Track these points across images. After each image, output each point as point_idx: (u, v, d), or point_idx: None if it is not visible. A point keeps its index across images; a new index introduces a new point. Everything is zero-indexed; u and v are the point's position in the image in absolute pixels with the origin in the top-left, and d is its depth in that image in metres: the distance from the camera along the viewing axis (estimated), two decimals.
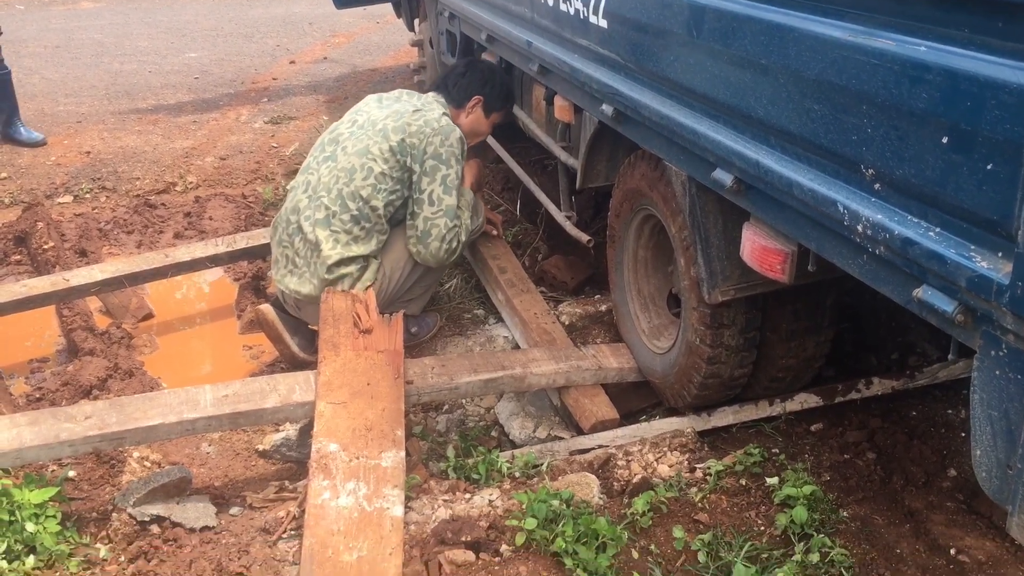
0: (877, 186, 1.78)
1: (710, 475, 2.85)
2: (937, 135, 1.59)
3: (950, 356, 1.82)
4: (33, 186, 5.56)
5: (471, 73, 3.94)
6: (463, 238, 3.67)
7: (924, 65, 1.60)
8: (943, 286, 1.63)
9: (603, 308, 3.88)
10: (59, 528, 2.63)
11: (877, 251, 1.77)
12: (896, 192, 1.74)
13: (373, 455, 2.74)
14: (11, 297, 3.79)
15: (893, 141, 1.70)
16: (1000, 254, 1.52)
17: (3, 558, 2.48)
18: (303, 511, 2.61)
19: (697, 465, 2.93)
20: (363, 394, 2.96)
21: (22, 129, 6.29)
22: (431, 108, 3.65)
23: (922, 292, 1.68)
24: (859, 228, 1.78)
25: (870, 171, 1.78)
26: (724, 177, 2.29)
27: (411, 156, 3.51)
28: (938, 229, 1.64)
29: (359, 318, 3.23)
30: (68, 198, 5.43)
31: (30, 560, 2.51)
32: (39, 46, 9.59)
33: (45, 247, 4.53)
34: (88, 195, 5.47)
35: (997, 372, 1.58)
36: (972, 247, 1.57)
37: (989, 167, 1.50)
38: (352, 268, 3.52)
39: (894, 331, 3.60)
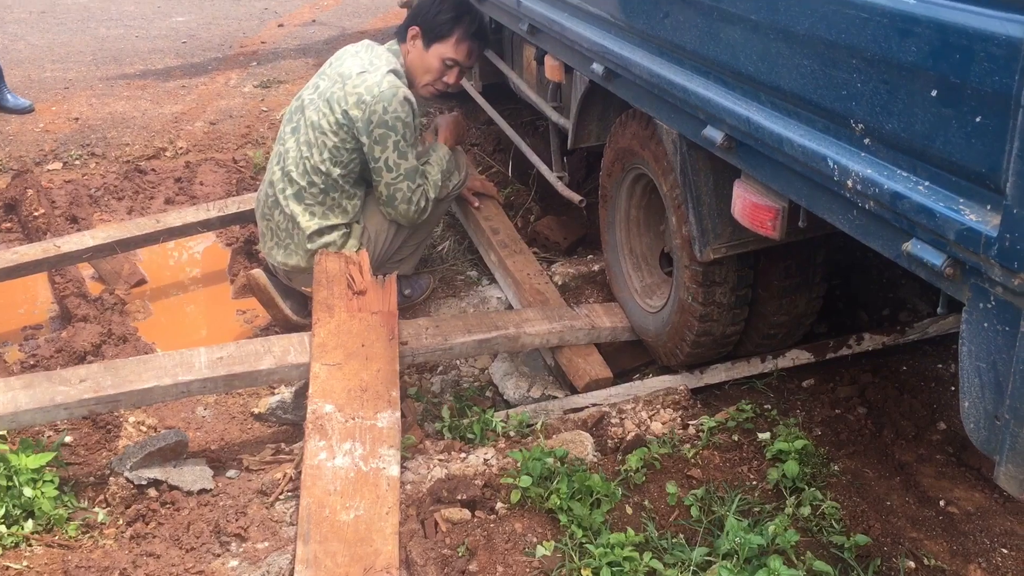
0: (867, 141, 1.78)
1: (703, 431, 2.87)
2: (926, 88, 1.59)
3: (939, 310, 1.83)
4: (22, 153, 5.52)
5: (416, 5, 3.74)
6: (431, 195, 3.61)
7: (913, 18, 1.60)
8: (932, 240, 1.64)
9: (596, 268, 3.88)
10: (57, 492, 2.65)
11: (867, 206, 1.77)
12: (885, 146, 1.73)
13: (369, 416, 2.76)
14: (3, 264, 3.77)
15: (883, 95, 1.70)
16: (988, 207, 1.52)
17: (2, 522, 2.50)
18: (300, 472, 2.63)
19: (690, 422, 2.96)
20: (358, 355, 2.97)
21: (9, 96, 6.22)
22: (376, 68, 3.43)
23: (911, 246, 1.69)
24: (849, 183, 1.78)
25: (860, 126, 1.78)
26: (714, 134, 2.28)
27: (356, 128, 3.39)
28: (927, 183, 1.64)
29: (353, 280, 3.23)
30: (58, 165, 5.39)
31: (28, 524, 2.53)
32: (24, 12, 9.45)
33: (35, 214, 4.51)
34: (78, 162, 5.43)
35: (985, 324, 1.59)
36: (961, 200, 1.58)
37: (978, 120, 1.50)
38: (334, 235, 3.52)
39: (885, 287, 3.61)
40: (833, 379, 3.20)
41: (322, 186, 3.48)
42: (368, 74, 3.40)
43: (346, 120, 3.39)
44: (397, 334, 3.08)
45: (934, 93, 1.58)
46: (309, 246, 3.50)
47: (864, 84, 1.74)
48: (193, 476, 2.78)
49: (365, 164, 3.50)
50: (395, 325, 3.11)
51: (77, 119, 6.10)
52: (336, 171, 3.45)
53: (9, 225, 4.65)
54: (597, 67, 2.92)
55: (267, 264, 3.81)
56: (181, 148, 5.60)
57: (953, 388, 3.13)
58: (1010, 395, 1.54)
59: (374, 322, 3.10)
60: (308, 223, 3.50)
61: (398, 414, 2.79)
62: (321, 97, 3.48)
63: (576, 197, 3.77)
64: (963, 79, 1.51)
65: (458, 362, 3.63)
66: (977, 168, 1.53)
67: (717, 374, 3.20)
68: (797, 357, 3.22)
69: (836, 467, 2.74)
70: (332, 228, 3.52)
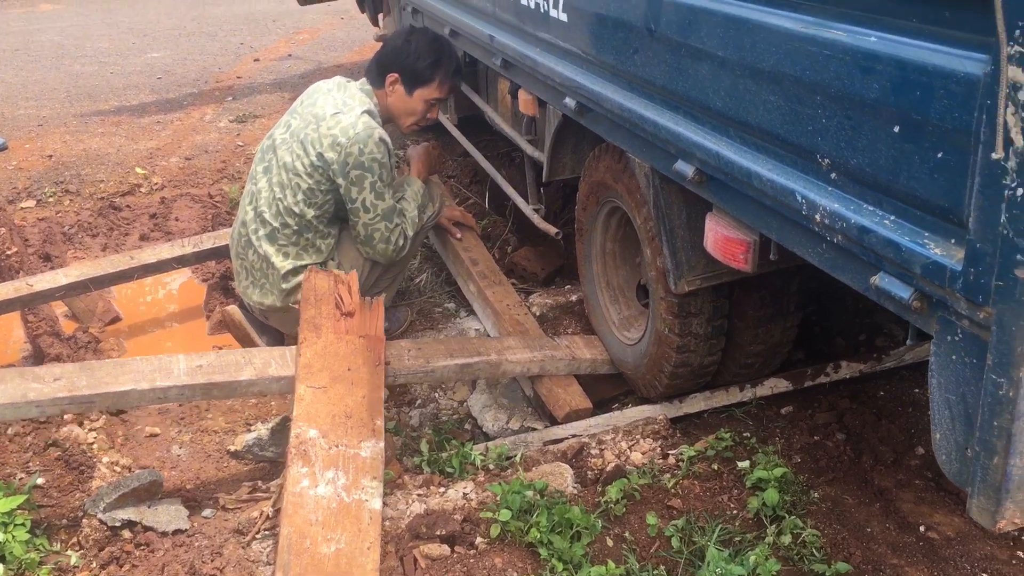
0: (833, 176, 1.80)
1: (682, 461, 2.87)
2: (889, 125, 1.62)
3: (908, 341, 1.85)
4: None
5: (387, 47, 3.65)
6: (409, 233, 3.60)
7: (875, 55, 1.63)
8: (899, 273, 1.66)
9: (574, 298, 3.90)
10: (28, 536, 2.60)
11: (835, 239, 1.80)
12: (851, 181, 1.76)
13: (352, 444, 2.72)
14: None
15: (847, 131, 1.72)
16: (953, 241, 1.55)
17: None
18: (277, 511, 2.61)
19: (669, 452, 2.96)
20: (344, 379, 2.92)
21: None
22: (351, 108, 3.39)
23: (879, 279, 1.71)
24: (817, 217, 1.81)
25: (826, 161, 1.81)
26: (686, 168, 2.31)
27: (332, 170, 3.35)
28: (893, 217, 1.67)
29: (341, 300, 3.19)
30: (31, 202, 5.36)
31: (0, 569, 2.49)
32: None
33: (8, 253, 4.48)
34: (51, 199, 5.40)
35: (953, 357, 1.61)
36: (926, 234, 1.60)
37: (940, 155, 1.52)
38: None
39: (860, 313, 3.64)
40: (811, 406, 3.21)
41: (296, 227, 3.46)
42: (342, 115, 3.37)
43: (321, 162, 3.36)
44: (383, 360, 3.05)
45: (896, 129, 1.60)
46: (284, 286, 3.49)
47: (829, 120, 1.77)
48: (168, 516, 2.75)
49: (340, 204, 3.48)
50: (381, 351, 3.07)
51: (51, 156, 6.08)
52: (310, 212, 3.43)
53: None
54: (569, 101, 2.95)
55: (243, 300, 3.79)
56: (156, 184, 5.59)
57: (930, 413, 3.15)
58: (979, 427, 1.56)
59: (361, 346, 3.06)
60: (282, 263, 3.48)
61: (382, 444, 2.75)
62: (294, 137, 3.46)
63: (552, 229, 3.79)
64: (924, 116, 1.54)
65: (437, 395, 3.62)
66: (940, 203, 1.55)
67: (696, 403, 3.21)
68: (775, 385, 3.23)
69: (816, 494, 2.75)
70: (307, 267, 3.50)
